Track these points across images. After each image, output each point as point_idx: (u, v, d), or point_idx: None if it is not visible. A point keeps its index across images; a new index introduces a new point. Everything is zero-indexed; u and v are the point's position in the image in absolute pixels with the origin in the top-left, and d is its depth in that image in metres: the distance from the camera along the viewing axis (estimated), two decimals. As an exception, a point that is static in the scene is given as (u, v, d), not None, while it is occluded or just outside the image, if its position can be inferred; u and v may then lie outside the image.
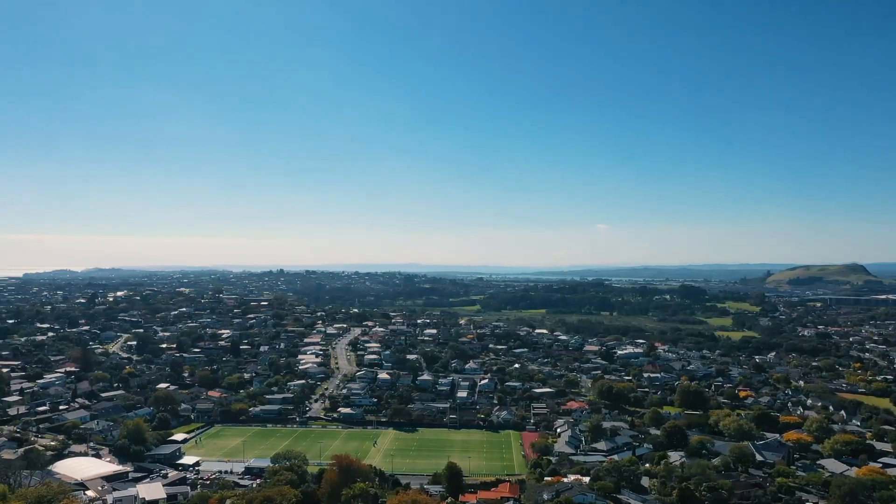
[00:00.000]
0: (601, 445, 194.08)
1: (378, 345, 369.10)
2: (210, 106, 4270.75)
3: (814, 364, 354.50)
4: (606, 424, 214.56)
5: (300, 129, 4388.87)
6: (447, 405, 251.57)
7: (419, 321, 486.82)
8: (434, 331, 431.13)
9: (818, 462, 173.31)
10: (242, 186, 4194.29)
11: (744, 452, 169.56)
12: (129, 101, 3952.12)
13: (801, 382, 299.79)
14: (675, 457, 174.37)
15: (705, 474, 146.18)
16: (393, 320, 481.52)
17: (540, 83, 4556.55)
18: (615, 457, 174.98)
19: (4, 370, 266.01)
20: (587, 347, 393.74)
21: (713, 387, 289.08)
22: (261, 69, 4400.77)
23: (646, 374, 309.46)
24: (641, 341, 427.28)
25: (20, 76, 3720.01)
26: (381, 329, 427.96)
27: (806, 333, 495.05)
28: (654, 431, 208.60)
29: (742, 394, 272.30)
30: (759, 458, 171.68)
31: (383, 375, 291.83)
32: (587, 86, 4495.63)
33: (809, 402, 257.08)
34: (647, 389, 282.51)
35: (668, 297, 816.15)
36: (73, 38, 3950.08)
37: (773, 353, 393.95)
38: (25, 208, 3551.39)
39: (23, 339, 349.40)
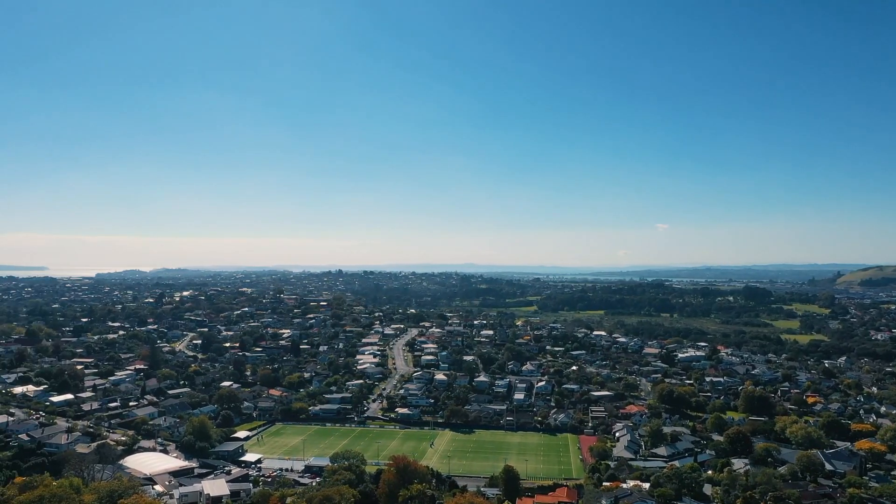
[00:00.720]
0: (661, 451, 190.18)
1: (435, 345, 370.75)
2: (272, 112, 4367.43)
3: (888, 370, 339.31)
4: (667, 429, 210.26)
5: (358, 131, 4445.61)
6: (504, 407, 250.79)
7: (476, 322, 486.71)
8: (491, 332, 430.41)
9: (893, 473, 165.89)
10: (303, 188, 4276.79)
11: (812, 461, 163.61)
12: (197, 108, 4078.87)
13: (874, 389, 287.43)
14: (738, 464, 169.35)
15: (771, 483, 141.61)
16: (449, 321, 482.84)
17: (598, 83, 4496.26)
18: (676, 463, 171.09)
19: (79, 367, 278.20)
20: (647, 350, 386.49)
21: (779, 392, 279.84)
22: (319, 76, 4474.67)
23: (708, 378, 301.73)
24: (703, 344, 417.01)
25: (96, 89, 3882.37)
26: (438, 330, 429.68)
27: (879, 337, 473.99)
28: (716, 437, 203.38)
29: (810, 400, 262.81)
30: (828, 467, 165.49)
31: (440, 376, 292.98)
32: (647, 84, 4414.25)
33: (883, 409, 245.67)
34: (709, 394, 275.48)
35: (731, 298, 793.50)
36: (142, 50, 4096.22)
37: (844, 358, 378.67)
38: (98, 211, 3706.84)
39: (96, 338, 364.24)
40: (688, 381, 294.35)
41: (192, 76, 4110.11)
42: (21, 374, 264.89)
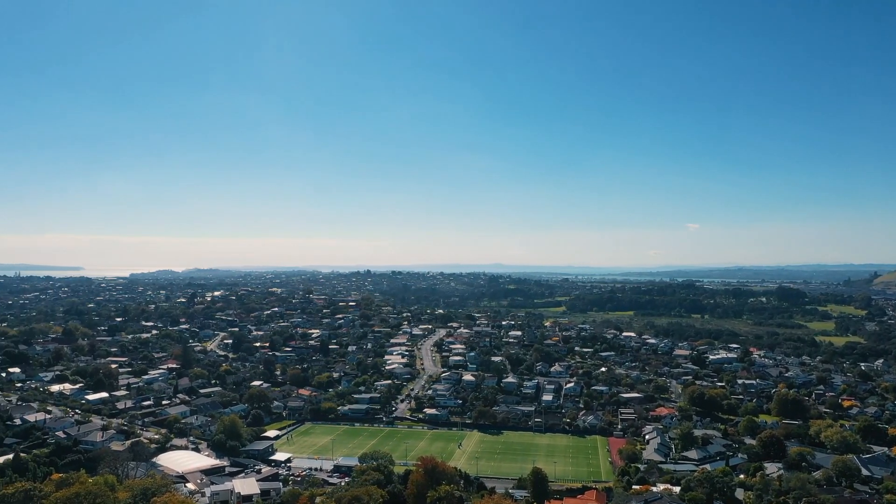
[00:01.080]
0: (692, 454, 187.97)
1: (463, 346, 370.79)
2: (300, 113, 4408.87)
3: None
4: (698, 432, 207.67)
5: (386, 131, 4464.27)
6: (532, 408, 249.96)
7: (504, 323, 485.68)
8: (519, 332, 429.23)
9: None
10: (331, 189, 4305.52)
11: (848, 466, 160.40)
12: (226, 110, 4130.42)
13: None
14: (771, 469, 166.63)
15: (805, 488, 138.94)
16: (477, 321, 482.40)
17: (626, 81, 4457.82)
18: (707, 466, 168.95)
19: (113, 366, 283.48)
20: (677, 351, 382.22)
21: (813, 395, 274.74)
22: (347, 76, 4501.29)
23: (740, 381, 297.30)
24: (735, 346, 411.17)
25: (127, 91, 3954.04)
26: (466, 330, 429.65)
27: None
28: (748, 441, 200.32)
29: (846, 403, 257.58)
30: (864, 472, 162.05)
31: (468, 377, 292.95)
32: (676, 83, 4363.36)
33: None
34: (741, 396, 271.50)
35: (763, 299, 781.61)
36: (172, 52, 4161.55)
37: (881, 361, 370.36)
38: (132, 212, 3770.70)
39: (129, 337, 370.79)
40: (719, 384, 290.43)
41: (221, 78, 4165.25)
42: (58, 373, 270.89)
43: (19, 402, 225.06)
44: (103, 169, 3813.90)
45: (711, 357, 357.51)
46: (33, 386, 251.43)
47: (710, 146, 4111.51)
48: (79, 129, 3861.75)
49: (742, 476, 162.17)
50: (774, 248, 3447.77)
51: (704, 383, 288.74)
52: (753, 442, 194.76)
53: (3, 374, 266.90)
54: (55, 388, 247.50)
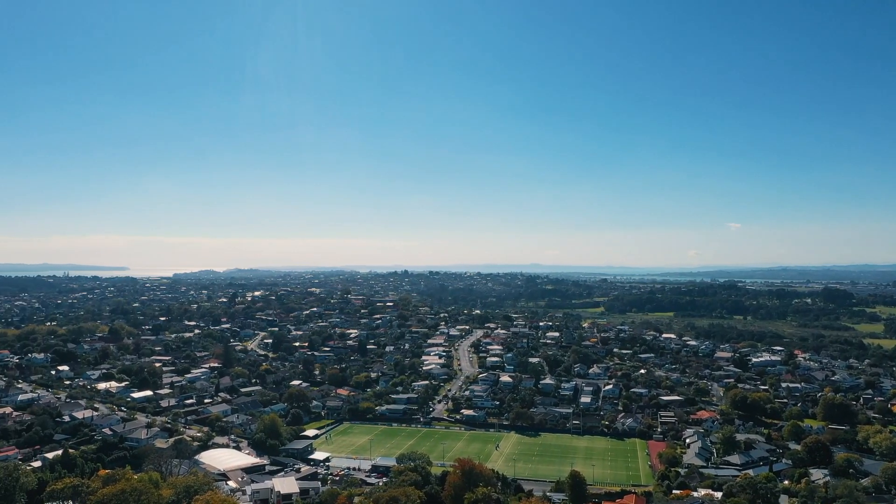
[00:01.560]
0: (734, 459, 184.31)
1: (500, 347, 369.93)
2: (338, 115, 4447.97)
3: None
4: (740, 436, 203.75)
5: (423, 132, 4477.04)
6: (570, 410, 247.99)
7: (541, 324, 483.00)
8: (556, 334, 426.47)
9: None
10: (369, 189, 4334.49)
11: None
12: (266, 111, 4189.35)
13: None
14: (817, 475, 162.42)
15: (853, 496, 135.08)
16: (515, 322, 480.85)
17: (663, 80, 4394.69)
18: (750, 472, 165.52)
19: (157, 365, 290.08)
20: (718, 354, 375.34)
21: (861, 400, 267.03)
22: (384, 79, 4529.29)
23: (784, 384, 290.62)
24: (779, 348, 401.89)
25: (171, 94, 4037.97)
26: (503, 331, 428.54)
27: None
28: (793, 446, 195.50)
29: (895, 409, 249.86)
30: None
31: (505, 378, 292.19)
32: (716, 80, 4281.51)
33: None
34: (785, 400, 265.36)
35: (808, 300, 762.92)
36: (215, 56, 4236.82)
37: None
38: (175, 213, 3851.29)
39: (173, 336, 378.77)
40: (762, 387, 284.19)
41: (260, 80, 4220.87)
42: (104, 371, 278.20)
43: (68, 400, 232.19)
44: (147, 171, 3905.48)
45: (754, 360, 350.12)
46: (81, 384, 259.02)
47: (753, 144, 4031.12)
48: (123, 132, 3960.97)
49: (786, 482, 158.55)
50: (820, 247, 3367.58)
51: (747, 386, 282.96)
52: (798, 447, 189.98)
53: (53, 372, 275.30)
54: (102, 385, 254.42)
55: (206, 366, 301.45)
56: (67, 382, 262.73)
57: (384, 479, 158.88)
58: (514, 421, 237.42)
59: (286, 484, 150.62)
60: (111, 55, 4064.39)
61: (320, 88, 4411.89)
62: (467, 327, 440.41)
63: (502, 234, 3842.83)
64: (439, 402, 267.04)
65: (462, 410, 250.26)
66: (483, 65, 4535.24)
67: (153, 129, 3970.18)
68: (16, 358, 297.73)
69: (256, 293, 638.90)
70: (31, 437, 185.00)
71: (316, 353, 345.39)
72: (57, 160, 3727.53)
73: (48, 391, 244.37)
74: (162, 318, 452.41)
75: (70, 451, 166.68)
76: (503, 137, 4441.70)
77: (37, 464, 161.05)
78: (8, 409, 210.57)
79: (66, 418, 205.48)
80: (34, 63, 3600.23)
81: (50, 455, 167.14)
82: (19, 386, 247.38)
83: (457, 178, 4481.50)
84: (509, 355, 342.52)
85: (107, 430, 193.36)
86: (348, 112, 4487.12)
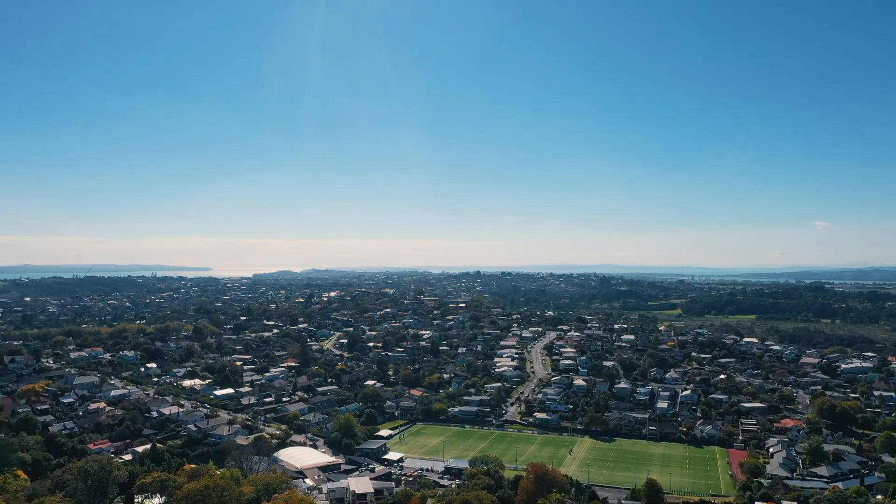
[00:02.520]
0: (821, 471, 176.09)
1: (573, 350, 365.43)
2: (409, 115, 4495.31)
3: None
4: (828, 447, 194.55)
5: (494, 132, 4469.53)
6: (646, 416, 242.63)
7: (616, 326, 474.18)
8: (632, 336, 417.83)
9: None
10: (441, 190, 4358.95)
11: None
12: (341, 114, 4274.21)
13: None
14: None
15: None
16: (588, 324, 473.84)
17: (744, 75, 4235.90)
18: (839, 485, 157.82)
19: (238, 363, 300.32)
20: (804, 359, 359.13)
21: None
22: (456, 78, 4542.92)
23: (876, 392, 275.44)
24: (871, 354, 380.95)
25: (247, 100, 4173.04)
26: (577, 333, 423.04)
27: None
28: (887, 459, 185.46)
29: None
30: None
31: (579, 381, 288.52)
32: (800, 73, 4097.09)
33: None
34: (877, 410, 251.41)
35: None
36: (291, 59, 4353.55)
37: None
38: (255, 214, 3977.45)
39: (253, 336, 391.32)
40: (852, 395, 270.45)
41: (336, 83, 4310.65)
42: (189, 369, 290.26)
43: (156, 396, 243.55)
44: (227, 174, 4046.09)
45: (843, 366, 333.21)
46: (168, 381, 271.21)
47: (840, 138, 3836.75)
48: (206, 137, 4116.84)
49: (879, 497, 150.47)
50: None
51: (835, 394, 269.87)
52: (893, 460, 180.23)
53: (142, 369, 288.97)
54: (187, 383, 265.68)
55: (285, 365, 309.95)
56: (155, 379, 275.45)
57: (457, 482, 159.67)
58: (588, 425, 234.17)
59: (361, 484, 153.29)
60: (197, 64, 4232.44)
61: (392, 90, 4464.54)
62: (540, 329, 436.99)
63: (575, 233, 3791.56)
64: (512, 404, 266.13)
65: (535, 413, 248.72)
66: (564, 61, 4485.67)
67: (230, 134, 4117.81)
68: (108, 355, 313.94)
69: (332, 294, 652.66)
70: (122, 432, 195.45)
71: (389, 353, 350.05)
72: (146, 165, 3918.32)
73: (138, 387, 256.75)
74: (242, 318, 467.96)
75: (158, 445, 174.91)
76: (577, 137, 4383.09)
77: (127, 457, 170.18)
78: (102, 404, 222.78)
79: (154, 414, 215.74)
80: (124, 74, 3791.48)
81: (140, 449, 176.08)
82: (111, 382, 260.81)
83: (530, 178, 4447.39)
84: (583, 358, 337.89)
85: (191, 426, 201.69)
86: (419, 114, 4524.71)
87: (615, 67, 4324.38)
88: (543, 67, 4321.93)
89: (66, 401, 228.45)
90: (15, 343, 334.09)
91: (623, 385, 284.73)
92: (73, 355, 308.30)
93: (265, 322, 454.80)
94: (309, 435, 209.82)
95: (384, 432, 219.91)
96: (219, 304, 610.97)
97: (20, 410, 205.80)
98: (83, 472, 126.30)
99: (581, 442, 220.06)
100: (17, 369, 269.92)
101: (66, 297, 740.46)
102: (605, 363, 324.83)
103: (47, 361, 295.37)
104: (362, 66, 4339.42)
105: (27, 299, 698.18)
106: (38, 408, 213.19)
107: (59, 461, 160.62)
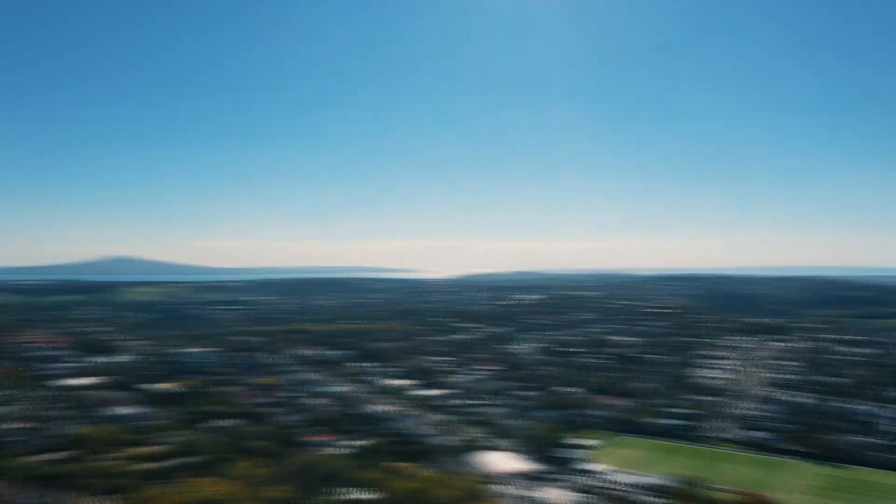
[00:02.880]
0: None
1: (795, 363, 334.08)
2: (598, 115, 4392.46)
3: None
4: None
5: (698, 130, 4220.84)
6: (889, 442, 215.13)
7: (846, 337, 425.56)
8: (868, 350, 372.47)
9: None
10: (643, 188, 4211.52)
11: None
12: (536, 119, 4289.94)
13: None
14: None
15: None
16: (812, 334, 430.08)
17: None
18: None
19: (444, 365, 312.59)
20: None
21: None
22: (650, 78, 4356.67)
23: None
24: None
25: (451, 105, 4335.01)
26: (799, 344, 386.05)
27: None
28: None
29: None
30: None
31: (800, 399, 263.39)
32: None
33: None
34: None
35: None
36: (477, 64, 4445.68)
37: None
38: (456, 217, 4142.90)
39: (458, 337, 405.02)
40: None
41: (531, 87, 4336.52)
42: (398, 369, 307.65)
43: (369, 394, 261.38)
44: (430, 180, 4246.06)
45: None
46: (379, 380, 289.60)
47: None
48: (403, 146, 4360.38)
49: None
50: None
51: None
52: None
53: (357, 368, 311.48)
54: (397, 382, 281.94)
55: (487, 368, 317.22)
56: (369, 378, 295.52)
57: (661, 500, 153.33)
58: (811, 448, 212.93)
59: (561, 494, 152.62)
60: (397, 71, 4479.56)
61: (587, 94, 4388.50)
62: (757, 338, 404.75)
63: (793, 231, 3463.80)
64: (722, 420, 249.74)
65: (748, 431, 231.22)
66: (762, 51, 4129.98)
67: (423, 141, 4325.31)
68: (328, 353, 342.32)
69: (534, 296, 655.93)
70: (339, 427, 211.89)
71: (590, 359, 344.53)
72: (359, 174, 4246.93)
73: (353, 385, 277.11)
74: (448, 319, 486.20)
75: (371, 442, 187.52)
76: (788, 128, 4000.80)
77: (344, 451, 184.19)
78: (323, 400, 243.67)
79: (368, 411, 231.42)
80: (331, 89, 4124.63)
81: (354, 444, 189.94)
82: (330, 378, 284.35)
83: (742, 173, 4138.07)
84: (805, 372, 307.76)
85: (401, 426, 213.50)
86: (613, 114, 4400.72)
87: (835, 52, 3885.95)
88: (746, 61, 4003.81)
89: (293, 395, 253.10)
90: (251, 339, 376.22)
91: (857, 405, 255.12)
92: (299, 352, 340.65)
93: (470, 324, 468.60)
94: (510, 440, 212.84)
95: (584, 441, 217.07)
96: (427, 306, 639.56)
97: (256, 402, 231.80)
98: (307, 463, 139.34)
99: (802, 467, 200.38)
100: (253, 364, 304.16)
101: (294, 297, 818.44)
102: (834, 379, 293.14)
103: (279, 357, 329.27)
104: (555, 70, 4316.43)
105: (262, 298, 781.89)
106: (270, 401, 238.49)
107: (286, 451, 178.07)
